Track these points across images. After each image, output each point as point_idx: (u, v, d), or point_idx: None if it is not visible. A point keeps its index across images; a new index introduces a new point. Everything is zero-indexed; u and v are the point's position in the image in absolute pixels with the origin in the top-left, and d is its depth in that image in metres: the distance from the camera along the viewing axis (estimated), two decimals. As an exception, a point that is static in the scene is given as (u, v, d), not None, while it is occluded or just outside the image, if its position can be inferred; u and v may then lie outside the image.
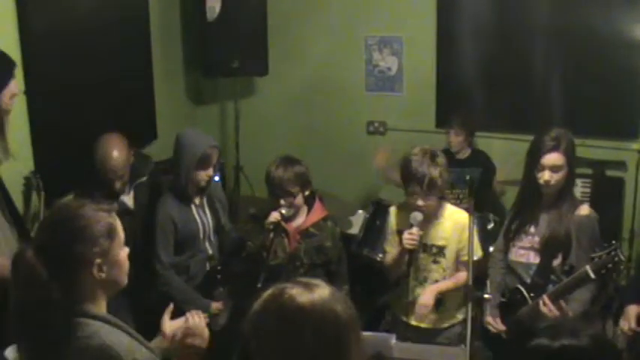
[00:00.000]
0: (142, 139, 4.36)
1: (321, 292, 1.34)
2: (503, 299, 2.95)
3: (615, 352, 1.57)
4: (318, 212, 3.03)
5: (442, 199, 2.91)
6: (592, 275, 2.48)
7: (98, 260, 1.63)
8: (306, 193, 2.96)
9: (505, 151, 4.39)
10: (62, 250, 1.58)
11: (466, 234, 2.80)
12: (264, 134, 5.25)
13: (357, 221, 4.29)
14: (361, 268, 3.73)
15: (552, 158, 2.73)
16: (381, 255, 3.58)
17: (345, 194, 4.75)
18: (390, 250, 3.00)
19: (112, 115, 3.83)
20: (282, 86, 5.14)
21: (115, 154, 3.08)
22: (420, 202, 2.76)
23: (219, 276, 3.15)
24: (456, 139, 4.17)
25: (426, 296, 2.92)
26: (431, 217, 2.87)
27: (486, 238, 3.70)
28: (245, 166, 5.04)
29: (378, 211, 3.99)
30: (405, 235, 2.77)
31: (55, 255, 1.57)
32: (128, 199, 3.25)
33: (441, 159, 2.78)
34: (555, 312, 2.60)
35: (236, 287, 3.15)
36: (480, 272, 3.01)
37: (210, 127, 5.02)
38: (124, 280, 1.73)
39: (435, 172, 2.72)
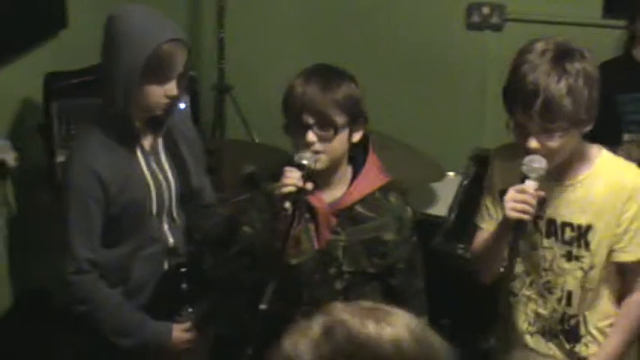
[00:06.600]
0: (43, 30, 4.55)
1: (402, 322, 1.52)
2: None
3: None
4: (372, 176, 3.10)
5: (594, 140, 3.00)
6: None
7: None
8: (356, 136, 3.02)
9: None
10: None
11: (635, 207, 2.93)
12: (273, 25, 5.35)
13: (447, 193, 4.40)
14: (454, 282, 3.90)
15: None
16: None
17: (423, 144, 4.82)
18: (487, 228, 3.13)
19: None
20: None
21: None
22: (531, 143, 2.83)
23: (184, 285, 3.25)
24: None
25: None
26: (563, 171, 2.95)
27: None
28: (236, 87, 5.22)
29: (483, 174, 4.02)
30: (511, 195, 2.82)
31: None
32: None
33: (580, 64, 2.82)
34: None
35: (218, 308, 3.28)
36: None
37: (172, 10, 4.90)
38: None
39: (558, 85, 2.76)
